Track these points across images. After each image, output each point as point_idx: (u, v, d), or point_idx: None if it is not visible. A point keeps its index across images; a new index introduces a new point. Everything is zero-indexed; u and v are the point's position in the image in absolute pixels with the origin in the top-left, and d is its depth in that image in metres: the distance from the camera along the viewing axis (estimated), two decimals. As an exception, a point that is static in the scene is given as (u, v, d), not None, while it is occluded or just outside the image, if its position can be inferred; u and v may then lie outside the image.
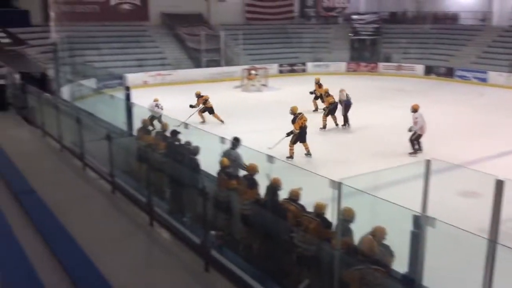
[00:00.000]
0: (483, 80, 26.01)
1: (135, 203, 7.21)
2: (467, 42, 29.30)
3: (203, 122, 16.95)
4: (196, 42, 29.43)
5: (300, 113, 12.97)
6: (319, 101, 18.45)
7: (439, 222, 4.40)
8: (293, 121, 12.80)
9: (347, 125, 16.18)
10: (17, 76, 15.38)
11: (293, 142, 12.58)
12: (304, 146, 12.81)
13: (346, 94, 16.35)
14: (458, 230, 4.30)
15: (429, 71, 28.62)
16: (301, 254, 5.43)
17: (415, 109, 13.22)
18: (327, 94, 16.48)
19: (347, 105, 16.22)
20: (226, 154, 8.06)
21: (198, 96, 17.40)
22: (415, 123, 12.98)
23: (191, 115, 16.40)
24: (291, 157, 12.42)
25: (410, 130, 13.08)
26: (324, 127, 15.90)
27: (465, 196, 9.49)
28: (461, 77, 27.17)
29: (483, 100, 21.49)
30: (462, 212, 7.88)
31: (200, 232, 5.84)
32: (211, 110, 17.10)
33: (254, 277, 5.47)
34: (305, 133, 12.81)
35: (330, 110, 15.95)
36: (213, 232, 6.42)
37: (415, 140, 13.11)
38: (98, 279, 4.53)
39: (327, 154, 13.28)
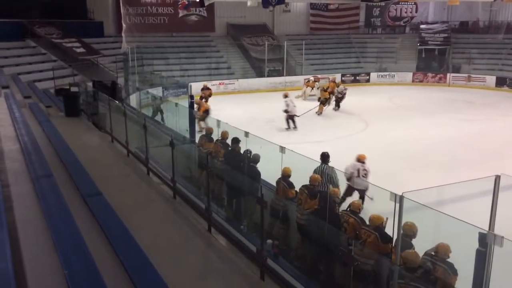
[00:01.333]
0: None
1: (194, 209, 7.36)
2: (544, 52, 27.61)
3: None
4: (259, 52, 29.80)
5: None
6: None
7: (507, 241, 4.16)
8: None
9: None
10: (89, 84, 16.27)
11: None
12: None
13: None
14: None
15: (501, 82, 27.18)
16: (358, 268, 5.31)
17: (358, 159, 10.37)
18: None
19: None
20: (318, 170, 8.04)
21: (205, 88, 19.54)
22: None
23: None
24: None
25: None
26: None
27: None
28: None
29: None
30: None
31: (256, 240, 5.86)
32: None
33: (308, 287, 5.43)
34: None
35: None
36: (269, 241, 6.44)
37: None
38: (157, 282, 4.65)
39: (390, 166, 12.93)
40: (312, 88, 23.92)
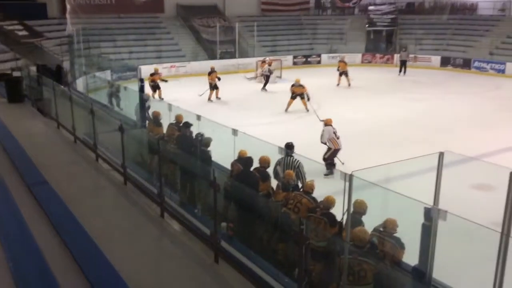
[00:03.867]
0: (501, 71, 25.54)
1: (146, 195, 7.25)
2: (485, 33, 28.72)
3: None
4: (210, 34, 29.43)
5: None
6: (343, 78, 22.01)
7: (451, 215, 4.34)
8: None
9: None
10: (33, 68, 15.57)
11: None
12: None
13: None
14: (470, 223, 4.24)
15: (445, 62, 28.18)
16: (310, 247, 5.40)
17: (325, 123, 11.33)
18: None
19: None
20: (280, 162, 7.91)
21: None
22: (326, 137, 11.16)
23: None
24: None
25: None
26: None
27: (479, 189, 9.36)
28: (478, 68, 26.71)
29: (500, 92, 21.10)
30: (475, 205, 7.78)
31: (210, 224, 5.85)
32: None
33: (263, 268, 5.48)
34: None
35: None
36: (224, 224, 6.44)
37: (330, 159, 11.08)
38: (108, 270, 4.57)
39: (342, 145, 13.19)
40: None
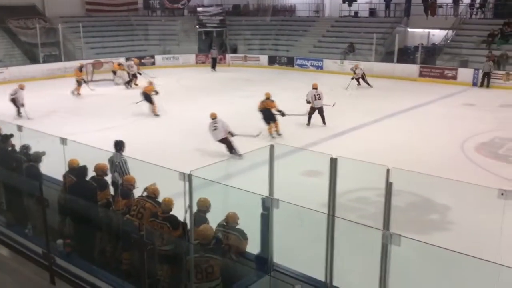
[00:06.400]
0: (319, 67, 28.25)
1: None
2: (304, 33, 31.48)
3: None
4: (30, 36, 26.92)
5: None
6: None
7: (282, 202, 4.67)
8: None
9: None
10: None
11: None
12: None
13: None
14: (300, 208, 4.62)
15: (272, 61, 30.16)
16: (155, 252, 5.32)
17: (211, 116, 12.35)
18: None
19: None
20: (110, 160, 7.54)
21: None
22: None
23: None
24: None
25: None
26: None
27: (308, 175, 10.25)
28: (300, 65, 29.15)
29: (319, 87, 23.29)
30: (306, 190, 8.49)
31: (43, 242, 5.37)
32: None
33: (108, 281, 5.23)
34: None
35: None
36: (60, 241, 5.97)
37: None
38: None
39: (185, 144, 13.26)
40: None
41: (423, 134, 14.45)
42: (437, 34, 28.44)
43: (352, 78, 22.12)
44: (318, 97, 14.92)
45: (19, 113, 16.23)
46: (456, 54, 25.09)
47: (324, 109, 15.15)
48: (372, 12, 31.64)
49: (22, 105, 16.21)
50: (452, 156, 12.32)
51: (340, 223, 4.84)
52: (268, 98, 14.27)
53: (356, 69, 22.45)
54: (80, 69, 21.10)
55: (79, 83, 20.57)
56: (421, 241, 4.18)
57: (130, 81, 22.74)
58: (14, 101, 16.28)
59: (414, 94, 21.08)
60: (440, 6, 28.38)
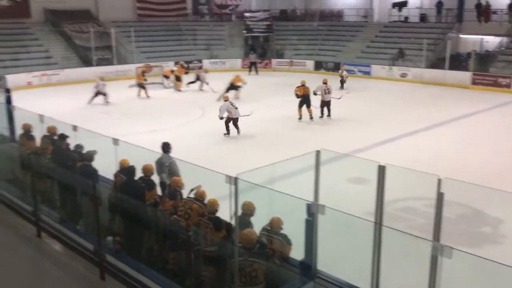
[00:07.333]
0: (367, 73, 27.87)
1: (20, 214, 6.66)
2: (352, 38, 31.14)
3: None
4: (84, 40, 27.98)
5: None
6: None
7: (328, 208, 4.62)
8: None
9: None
10: None
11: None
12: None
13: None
14: (346, 215, 4.56)
15: (318, 66, 30.00)
16: (200, 252, 5.40)
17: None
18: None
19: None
20: (159, 162, 7.77)
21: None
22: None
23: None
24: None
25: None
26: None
27: (354, 182, 10.10)
28: (347, 71, 28.75)
29: (367, 92, 23.02)
30: (352, 197, 8.38)
31: (94, 239, 5.56)
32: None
33: (155, 279, 5.35)
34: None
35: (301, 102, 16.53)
36: (109, 238, 6.16)
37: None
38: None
39: (227, 148, 13.41)
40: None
41: (474, 143, 13.96)
42: (491, 41, 27.44)
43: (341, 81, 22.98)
44: (327, 91, 16.45)
45: (106, 101, 19.50)
46: (511, 61, 24.11)
47: (331, 103, 16.71)
48: (423, 18, 30.89)
49: (104, 94, 19.49)
50: (505, 167, 11.82)
51: (387, 233, 4.75)
52: (304, 85, 16.52)
53: (342, 71, 23.45)
54: (143, 73, 21.86)
55: (142, 86, 21.28)
56: (474, 255, 4.03)
57: (197, 83, 23.19)
58: (99, 92, 19.43)
59: (466, 102, 20.43)
60: (494, 12, 27.36)
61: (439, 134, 15.10)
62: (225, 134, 14.59)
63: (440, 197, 4.10)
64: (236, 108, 14.65)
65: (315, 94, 16.42)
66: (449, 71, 25.02)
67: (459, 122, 16.83)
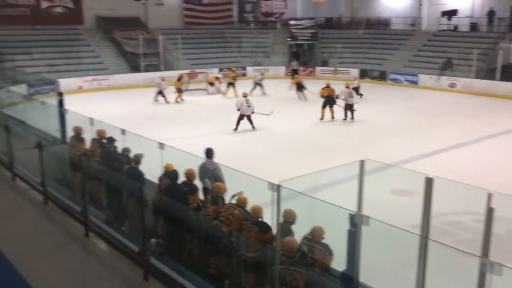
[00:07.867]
0: (414, 82, 27.29)
1: (69, 214, 6.92)
2: (399, 46, 30.60)
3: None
4: (133, 46, 28.84)
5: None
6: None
7: (373, 220, 4.54)
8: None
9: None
10: None
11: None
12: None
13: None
14: (391, 227, 4.46)
15: (363, 74, 29.62)
16: (241, 258, 5.42)
17: (243, 95, 16.83)
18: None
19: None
20: (203, 167, 7.93)
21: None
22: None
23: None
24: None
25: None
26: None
27: (398, 194, 9.89)
28: (393, 80, 28.34)
29: (414, 102, 22.53)
30: (396, 209, 8.20)
31: (139, 241, 5.69)
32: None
33: (196, 283, 5.41)
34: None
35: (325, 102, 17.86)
36: (153, 240, 6.29)
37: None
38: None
39: (272, 155, 13.43)
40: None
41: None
42: (546, 51, 26.27)
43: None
44: (350, 95, 17.61)
45: (166, 101, 21.44)
46: None
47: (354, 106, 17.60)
48: (473, 27, 29.95)
49: (163, 94, 21.37)
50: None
51: (433, 247, 4.62)
52: (328, 86, 17.93)
53: (354, 80, 23.54)
54: (179, 79, 22.41)
55: (179, 91, 22.02)
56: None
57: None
58: (161, 92, 21.29)
59: (518, 114, 19.61)
60: (549, 21, 26.24)
61: (487, 147, 14.57)
62: (234, 129, 15.85)
63: (490, 212, 3.96)
64: (249, 106, 15.79)
65: (337, 98, 17.52)
66: (500, 82, 24.14)
67: (509, 135, 16.19)
